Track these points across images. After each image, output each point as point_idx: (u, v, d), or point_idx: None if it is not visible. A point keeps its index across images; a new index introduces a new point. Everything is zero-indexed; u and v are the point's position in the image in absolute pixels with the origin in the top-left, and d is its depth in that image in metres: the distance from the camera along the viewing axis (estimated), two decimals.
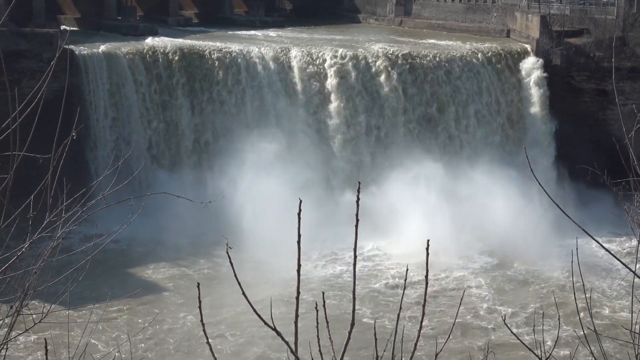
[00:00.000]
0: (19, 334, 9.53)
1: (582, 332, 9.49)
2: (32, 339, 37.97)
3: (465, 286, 46.83)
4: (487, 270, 49.75)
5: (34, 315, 9.64)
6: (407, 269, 9.19)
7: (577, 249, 9.96)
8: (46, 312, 9.51)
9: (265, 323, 6.99)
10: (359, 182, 7.32)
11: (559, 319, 34.29)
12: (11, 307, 9.07)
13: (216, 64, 59.11)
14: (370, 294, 46.11)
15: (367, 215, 47.19)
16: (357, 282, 7.15)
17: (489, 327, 42.16)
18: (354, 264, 7.22)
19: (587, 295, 9.67)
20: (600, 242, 9.20)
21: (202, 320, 7.55)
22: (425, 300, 7.77)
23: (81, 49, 57.09)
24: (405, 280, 8.70)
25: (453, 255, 49.84)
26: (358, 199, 7.17)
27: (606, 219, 44.15)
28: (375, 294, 46.14)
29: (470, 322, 42.68)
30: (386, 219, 52.01)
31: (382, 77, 60.00)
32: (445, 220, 50.93)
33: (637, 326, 9.83)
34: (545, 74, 62.21)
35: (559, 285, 46.93)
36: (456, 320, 42.70)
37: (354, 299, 7.32)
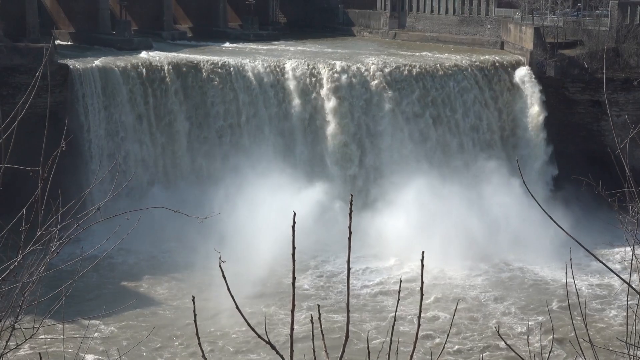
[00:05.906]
0: (14, 347, 9.49)
1: (583, 346, 9.48)
2: (27, 353, 37.78)
3: (467, 295, 46.76)
4: (488, 283, 49.67)
5: (28, 330, 9.61)
6: (401, 280, 9.20)
7: (570, 259, 9.99)
8: (39, 327, 9.48)
9: (259, 336, 6.96)
10: (351, 195, 7.32)
11: (552, 329, 34.27)
12: (5, 323, 9.04)
13: (211, 78, 59.15)
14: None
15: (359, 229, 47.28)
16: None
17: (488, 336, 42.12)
18: (348, 276, 7.21)
19: (580, 301, 9.68)
20: (595, 255, 9.22)
21: (197, 334, 7.51)
22: (420, 311, 7.75)
23: (76, 64, 57.10)
24: (399, 291, 8.71)
25: (457, 268, 49.87)
26: (351, 211, 7.16)
27: (601, 230, 44.21)
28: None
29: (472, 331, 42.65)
30: (384, 232, 52.23)
31: (378, 90, 60.05)
32: (443, 235, 50.88)
33: (632, 336, 9.84)
34: (539, 86, 62.29)
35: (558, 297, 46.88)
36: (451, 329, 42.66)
37: (348, 311, 7.31)
